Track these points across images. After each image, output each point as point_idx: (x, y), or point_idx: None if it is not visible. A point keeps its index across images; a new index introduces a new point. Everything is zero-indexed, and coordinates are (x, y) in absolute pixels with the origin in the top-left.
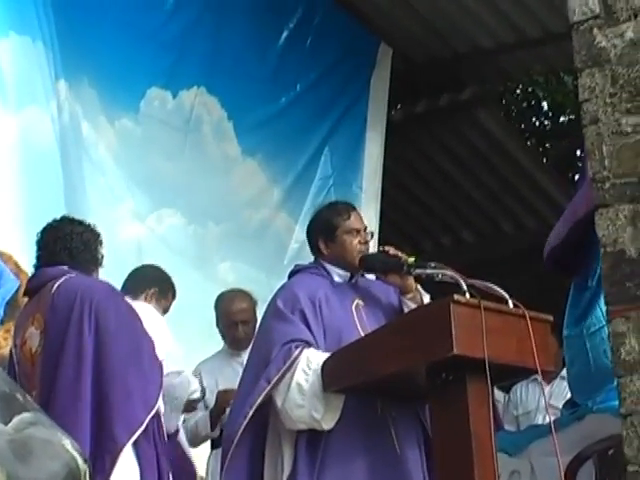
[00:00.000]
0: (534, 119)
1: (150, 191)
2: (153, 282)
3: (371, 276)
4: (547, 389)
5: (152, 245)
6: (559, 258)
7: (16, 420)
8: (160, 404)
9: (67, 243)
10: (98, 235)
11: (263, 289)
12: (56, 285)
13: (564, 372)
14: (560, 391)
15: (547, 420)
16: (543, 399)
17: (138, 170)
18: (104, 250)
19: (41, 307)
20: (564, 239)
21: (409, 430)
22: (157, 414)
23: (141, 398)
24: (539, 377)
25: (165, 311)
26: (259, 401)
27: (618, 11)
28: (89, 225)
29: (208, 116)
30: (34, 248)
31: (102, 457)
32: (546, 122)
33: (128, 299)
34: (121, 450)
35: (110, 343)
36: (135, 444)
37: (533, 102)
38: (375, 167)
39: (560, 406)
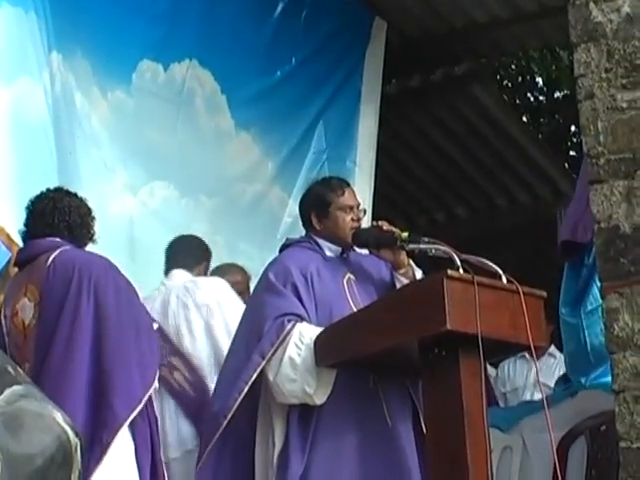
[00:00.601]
0: (529, 94)
1: (143, 164)
2: (203, 256)
3: (363, 251)
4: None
5: (144, 218)
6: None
7: (7, 393)
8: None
9: (65, 216)
10: (91, 210)
11: (256, 263)
12: (51, 257)
13: (552, 349)
14: (547, 368)
15: (536, 397)
16: (531, 376)
17: (131, 143)
18: (96, 226)
19: (35, 279)
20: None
21: (401, 404)
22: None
23: (140, 375)
24: (527, 354)
25: None
26: (254, 377)
27: None
28: (82, 199)
29: (200, 89)
30: None
31: (100, 433)
32: (541, 97)
33: (182, 271)
34: (120, 427)
35: (110, 319)
36: (130, 421)
37: (528, 77)
38: (369, 142)
39: (548, 383)
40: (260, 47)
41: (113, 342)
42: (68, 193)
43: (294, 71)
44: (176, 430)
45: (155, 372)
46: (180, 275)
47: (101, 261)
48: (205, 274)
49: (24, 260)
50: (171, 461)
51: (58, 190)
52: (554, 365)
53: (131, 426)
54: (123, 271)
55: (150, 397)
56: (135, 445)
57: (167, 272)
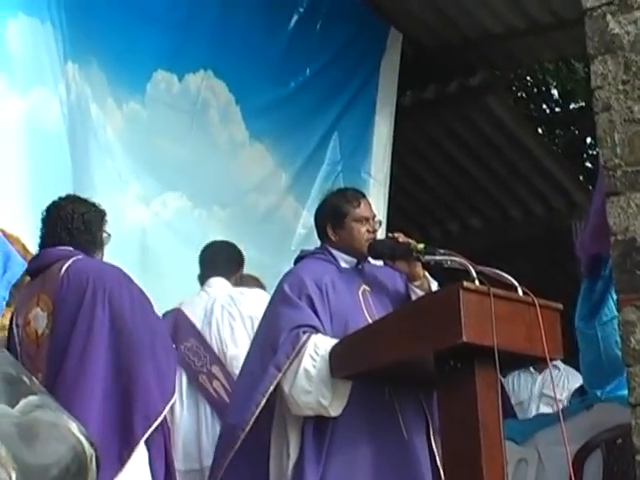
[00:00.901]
0: (544, 106)
1: (156, 175)
2: (238, 263)
3: (378, 262)
4: (539, 378)
5: (157, 229)
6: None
7: (22, 403)
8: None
9: (67, 223)
10: (102, 215)
11: (270, 274)
12: (65, 267)
13: (556, 361)
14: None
15: (542, 409)
16: (535, 388)
17: (145, 154)
18: (109, 229)
19: (48, 288)
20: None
21: (416, 416)
22: None
23: (159, 389)
24: (532, 367)
25: None
26: (271, 389)
27: None
28: (93, 204)
29: (215, 100)
30: None
31: (118, 449)
32: (556, 109)
33: (222, 280)
34: (138, 443)
35: (126, 331)
36: None
37: (543, 89)
38: (384, 153)
39: (553, 395)
40: (274, 57)
41: (130, 354)
42: (75, 199)
43: (309, 81)
44: (212, 438)
45: (173, 383)
46: (220, 284)
47: (114, 271)
48: (240, 281)
49: (36, 269)
50: (206, 469)
51: (66, 198)
52: (558, 377)
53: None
54: (136, 281)
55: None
56: (150, 455)
57: (204, 278)
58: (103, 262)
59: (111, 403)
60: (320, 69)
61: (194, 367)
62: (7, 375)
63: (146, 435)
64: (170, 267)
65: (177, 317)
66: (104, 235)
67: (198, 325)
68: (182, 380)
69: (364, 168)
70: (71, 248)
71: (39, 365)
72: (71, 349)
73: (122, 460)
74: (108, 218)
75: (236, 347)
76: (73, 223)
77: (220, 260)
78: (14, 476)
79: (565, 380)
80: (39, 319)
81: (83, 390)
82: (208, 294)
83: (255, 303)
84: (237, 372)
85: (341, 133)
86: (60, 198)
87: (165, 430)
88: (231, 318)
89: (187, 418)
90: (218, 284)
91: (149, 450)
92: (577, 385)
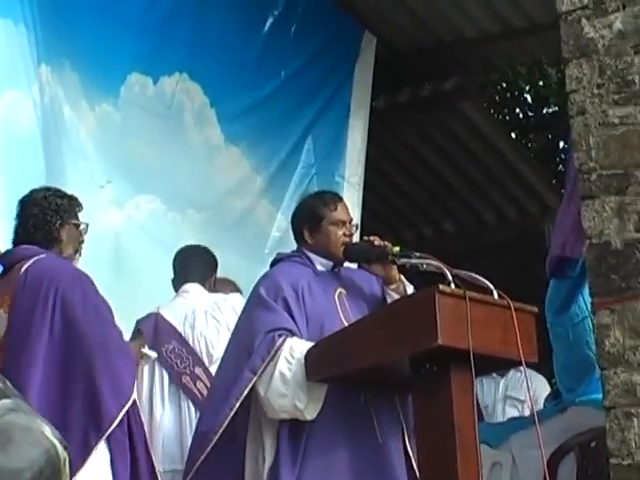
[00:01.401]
0: (517, 110)
1: (130, 177)
2: (212, 268)
3: (353, 265)
4: (502, 381)
5: (130, 232)
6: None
7: None
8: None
9: (28, 220)
10: (58, 205)
11: (244, 278)
12: (24, 267)
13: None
14: (515, 382)
15: (507, 412)
16: (499, 391)
17: (118, 156)
18: (72, 219)
19: (9, 289)
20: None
21: (391, 420)
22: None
23: (112, 392)
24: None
25: None
26: (246, 392)
27: (607, 1)
28: (52, 193)
29: (190, 102)
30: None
31: (74, 452)
32: (530, 113)
33: (197, 286)
34: (92, 450)
35: (77, 337)
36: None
37: (516, 93)
38: (358, 156)
39: (520, 397)
40: (250, 61)
41: (83, 358)
42: (32, 193)
43: (284, 85)
44: None
45: (131, 388)
46: (196, 289)
47: (70, 272)
48: (215, 285)
49: (3, 269)
50: None
51: (32, 191)
52: (521, 379)
53: (108, 439)
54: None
55: (135, 408)
56: (111, 456)
57: (178, 283)
58: (62, 262)
59: (63, 413)
60: (295, 72)
61: (177, 368)
62: None
63: (101, 441)
64: (144, 270)
65: (157, 320)
66: (81, 226)
67: (179, 328)
68: (164, 381)
69: (338, 171)
70: (36, 247)
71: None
72: (23, 355)
73: (78, 464)
74: (82, 220)
75: (222, 349)
76: (30, 219)
77: (194, 265)
78: None
79: (529, 382)
80: (1, 321)
81: (32, 403)
82: (186, 299)
83: (237, 306)
84: None
85: (315, 136)
86: (30, 191)
87: (136, 434)
88: (217, 322)
89: (169, 419)
90: (194, 290)
91: (111, 451)
92: (540, 387)
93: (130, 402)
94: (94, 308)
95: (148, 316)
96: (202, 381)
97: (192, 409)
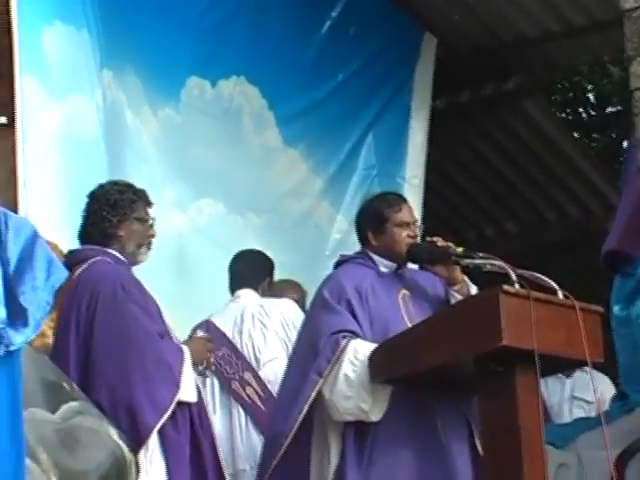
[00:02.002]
0: (580, 110)
1: (191, 181)
2: (267, 271)
3: (415, 266)
4: (568, 382)
5: (192, 235)
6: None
7: (63, 409)
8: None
9: (87, 219)
10: (114, 205)
11: (305, 279)
12: (78, 272)
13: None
14: (582, 383)
15: (573, 413)
16: (565, 391)
17: (179, 160)
18: (134, 213)
19: (63, 292)
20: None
21: (456, 422)
22: (197, 403)
23: (150, 403)
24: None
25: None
26: (313, 395)
27: None
28: (106, 198)
29: (248, 105)
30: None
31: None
32: (592, 113)
33: (250, 291)
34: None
35: (100, 347)
36: (161, 435)
37: (578, 93)
38: (419, 157)
39: (587, 398)
40: (306, 63)
41: (116, 370)
42: (98, 187)
43: (341, 86)
44: (246, 443)
45: (172, 396)
46: (248, 295)
47: (109, 288)
48: (269, 288)
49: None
50: (240, 472)
51: (94, 190)
52: (587, 379)
53: (162, 441)
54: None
55: (201, 410)
56: (167, 463)
57: (233, 289)
58: (105, 272)
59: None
60: (353, 74)
61: (226, 375)
62: (47, 381)
63: (141, 449)
64: (206, 273)
65: (208, 328)
66: (148, 220)
67: (229, 334)
68: (215, 388)
69: (399, 173)
70: (97, 247)
71: None
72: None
73: None
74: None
75: (269, 353)
76: (90, 217)
77: (247, 271)
78: None
79: (596, 381)
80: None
81: None
82: (237, 305)
83: (286, 311)
84: (271, 378)
85: (375, 138)
86: (98, 185)
87: (198, 434)
88: (263, 326)
89: (220, 424)
90: (246, 295)
91: (167, 460)
92: (606, 388)
93: (168, 411)
94: (122, 327)
95: (201, 323)
96: (251, 386)
97: (242, 414)
